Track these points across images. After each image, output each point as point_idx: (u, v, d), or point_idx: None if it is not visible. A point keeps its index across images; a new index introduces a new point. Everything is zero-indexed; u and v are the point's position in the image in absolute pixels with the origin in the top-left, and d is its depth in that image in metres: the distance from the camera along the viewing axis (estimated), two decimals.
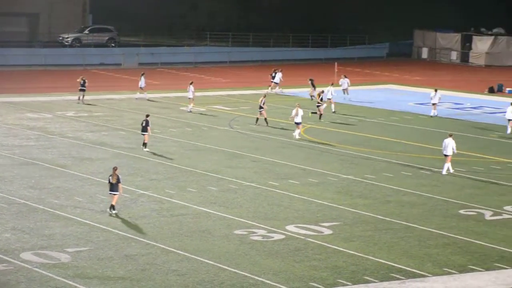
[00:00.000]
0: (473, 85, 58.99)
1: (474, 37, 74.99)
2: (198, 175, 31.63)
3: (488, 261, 22.14)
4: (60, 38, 73.09)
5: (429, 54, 78.04)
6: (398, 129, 42.42)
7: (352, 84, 53.50)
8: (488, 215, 26.57)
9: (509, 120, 40.95)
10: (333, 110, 46.15)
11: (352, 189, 29.84)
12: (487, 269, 21.57)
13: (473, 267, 21.70)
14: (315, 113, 44.33)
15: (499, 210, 27.06)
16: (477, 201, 28.23)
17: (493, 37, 74.22)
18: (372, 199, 28.49)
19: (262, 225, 25.33)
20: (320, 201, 28.09)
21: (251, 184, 30.47)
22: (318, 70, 68.03)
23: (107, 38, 74.42)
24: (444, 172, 32.10)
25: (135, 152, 35.70)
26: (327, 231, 24.74)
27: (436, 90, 46.41)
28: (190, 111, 46.12)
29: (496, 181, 31.04)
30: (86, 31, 74.11)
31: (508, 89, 56.70)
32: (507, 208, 27.34)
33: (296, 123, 39.08)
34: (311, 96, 50.19)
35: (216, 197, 28.65)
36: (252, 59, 73.67)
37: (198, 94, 53.23)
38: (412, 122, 44.32)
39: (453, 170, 32.22)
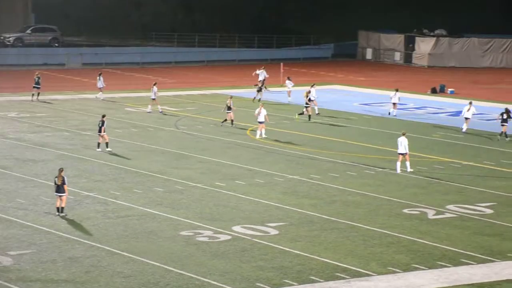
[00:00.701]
0: (416, 85, 59.77)
1: (417, 38, 76.00)
2: (144, 176, 31.45)
3: (431, 260, 22.45)
4: (2, 37, 71.94)
5: (373, 55, 78.85)
6: (343, 130, 42.75)
7: (298, 84, 53.71)
8: (431, 214, 26.94)
9: (466, 118, 41.76)
10: (317, 112, 45.92)
11: (298, 189, 29.99)
12: (430, 268, 21.86)
13: (417, 266, 21.98)
14: (302, 113, 44.45)
15: (442, 209, 27.47)
16: (420, 200, 28.62)
17: (435, 38, 75.34)
18: (318, 199, 28.67)
19: (208, 226, 25.30)
20: (266, 202, 28.18)
21: (198, 185, 30.41)
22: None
23: (50, 38, 73.50)
24: (398, 171, 32.38)
25: (79, 153, 35.33)
26: (274, 232, 24.83)
27: (397, 90, 46.88)
28: (150, 112, 46.09)
29: (439, 180, 31.50)
30: (29, 31, 73.08)
31: (450, 89, 57.60)
32: (449, 207, 27.77)
33: (259, 122, 39.25)
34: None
35: (162, 198, 28.52)
36: (198, 60, 73.54)
37: (143, 94, 52.96)
38: (356, 123, 44.72)
39: (412, 169, 32.53)
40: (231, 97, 43.54)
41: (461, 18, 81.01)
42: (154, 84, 46.77)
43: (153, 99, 46.25)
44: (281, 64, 60.41)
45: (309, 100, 44.65)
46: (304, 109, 44.60)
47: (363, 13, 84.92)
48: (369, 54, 79.20)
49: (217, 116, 45.07)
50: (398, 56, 77.02)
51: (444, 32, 77.54)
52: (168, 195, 28.86)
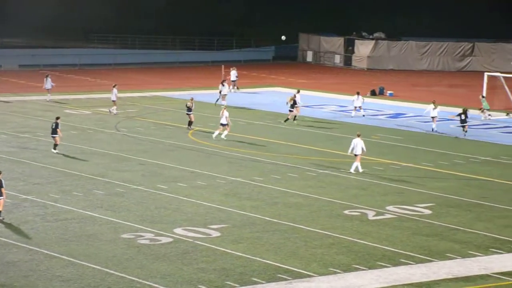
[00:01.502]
0: (356, 87, 60.25)
1: (356, 41, 76.78)
2: (84, 179, 31.08)
3: (371, 260, 22.66)
4: None
5: (313, 57, 79.40)
6: (285, 131, 42.91)
7: (242, 86, 53.75)
8: (371, 215, 27.21)
9: (433, 117, 43.02)
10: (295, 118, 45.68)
11: (240, 191, 30.00)
12: (370, 268, 22.07)
13: (357, 266, 22.17)
14: (288, 119, 44.64)
15: (382, 210, 27.77)
16: (361, 201, 28.89)
17: (374, 41, 76.22)
18: (260, 201, 28.72)
19: (149, 229, 25.13)
20: (208, 204, 28.11)
21: (139, 187, 30.18)
22: (205, 73, 68.15)
23: None
24: (352, 170, 32.94)
25: (17, 156, 34.75)
26: (215, 234, 24.78)
27: (358, 93, 47.24)
28: (110, 112, 45.76)
29: (378, 182, 31.84)
30: None
31: (389, 92, 58.33)
32: (389, 208, 28.09)
33: (221, 124, 39.31)
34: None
35: (103, 200, 28.22)
36: (138, 62, 73.03)
37: (82, 96, 52.38)
38: (298, 125, 44.93)
39: (362, 170, 32.96)
40: (192, 99, 43.24)
41: (399, 21, 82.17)
42: (114, 86, 46.53)
43: (113, 100, 46.02)
44: (222, 66, 60.38)
45: (293, 105, 44.70)
46: (289, 114, 44.75)
47: (304, 16, 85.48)
48: (309, 57, 79.72)
49: (157, 118, 44.82)
50: (338, 59, 77.71)
51: (382, 35, 78.51)
52: (109, 198, 28.57)
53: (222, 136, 39.26)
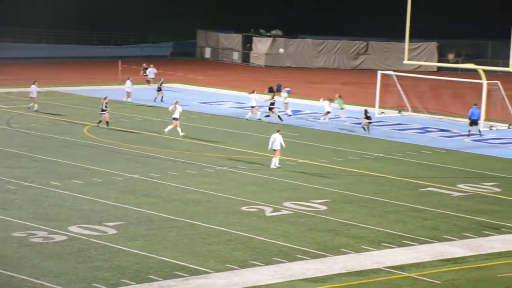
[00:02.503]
0: (254, 85, 60.66)
1: (254, 38, 77.24)
2: None
3: (268, 256, 22.85)
4: None
5: (212, 54, 79.45)
6: (183, 128, 42.70)
7: (138, 82, 53.26)
8: (268, 211, 27.44)
9: (328, 112, 44.94)
10: (281, 115, 45.58)
11: (137, 188, 29.73)
12: (267, 264, 22.25)
13: (254, 262, 22.31)
14: (268, 115, 44.63)
15: (279, 206, 28.03)
16: (258, 198, 29.09)
17: (271, 38, 76.85)
18: (157, 198, 28.54)
19: (43, 227, 24.60)
20: (104, 201, 27.74)
21: (32, 184, 29.50)
22: (102, 69, 67.22)
23: None
24: (272, 166, 33.29)
25: None
26: (111, 231, 24.48)
27: (329, 99, 45.91)
28: (30, 108, 44.68)
29: (275, 178, 32.13)
30: None
31: (286, 89, 58.89)
32: (286, 204, 28.38)
33: (173, 118, 39.16)
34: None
35: None
36: (30, 56, 71.33)
37: None
38: (196, 121, 44.88)
39: (280, 165, 33.21)
40: (106, 97, 42.10)
41: (296, 18, 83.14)
42: (34, 82, 45.26)
43: (33, 97, 44.94)
44: (119, 62, 59.68)
45: (272, 104, 44.86)
46: (270, 112, 44.90)
47: (201, 12, 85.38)
48: (208, 53, 79.72)
49: (52, 114, 43.91)
50: (236, 56, 77.99)
51: (280, 33, 79.25)
52: (0, 195, 27.82)
53: (172, 130, 38.94)
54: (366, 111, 43.48)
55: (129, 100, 49.65)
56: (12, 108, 45.98)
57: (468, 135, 42.34)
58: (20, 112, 45.06)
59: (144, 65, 59.06)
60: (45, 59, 71.68)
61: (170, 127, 39.76)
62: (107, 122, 41.19)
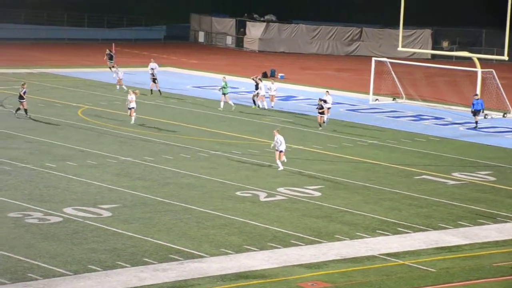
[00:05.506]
0: (247, 69, 60.59)
1: (247, 22, 77.06)
2: None
3: (263, 241, 22.88)
4: None
5: (205, 38, 79.25)
6: (176, 112, 42.71)
7: (130, 65, 53.08)
8: (262, 196, 27.46)
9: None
10: (269, 106, 44.80)
11: (131, 171, 29.69)
12: (261, 249, 22.27)
13: (248, 247, 22.33)
14: (258, 106, 44.22)
15: (273, 192, 28.05)
16: (253, 183, 29.10)
17: (265, 23, 76.68)
18: (152, 181, 28.52)
19: (38, 208, 24.57)
20: (99, 183, 27.70)
21: (27, 165, 29.43)
22: (94, 51, 66.91)
23: None
24: (281, 167, 31.04)
25: None
26: (106, 213, 24.47)
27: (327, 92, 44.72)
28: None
29: (270, 164, 32.13)
30: None
31: (280, 74, 58.89)
32: (280, 189, 28.40)
33: (129, 108, 37.87)
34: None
35: None
36: (24, 37, 70.96)
37: None
38: (190, 105, 44.82)
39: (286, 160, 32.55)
40: (24, 83, 39.92)
41: (290, 4, 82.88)
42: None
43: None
44: (113, 44, 59.46)
45: (257, 94, 44.44)
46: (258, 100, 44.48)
47: None
48: (201, 37, 79.52)
49: (46, 96, 43.74)
50: (230, 40, 77.82)
51: (273, 18, 79.06)
52: None
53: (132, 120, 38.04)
54: (320, 100, 39.76)
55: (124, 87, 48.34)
56: (6, 88, 45.78)
57: (476, 127, 42.02)
58: (14, 93, 44.87)
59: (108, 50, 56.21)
60: (38, 40, 71.33)
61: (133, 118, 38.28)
62: (25, 110, 38.40)
